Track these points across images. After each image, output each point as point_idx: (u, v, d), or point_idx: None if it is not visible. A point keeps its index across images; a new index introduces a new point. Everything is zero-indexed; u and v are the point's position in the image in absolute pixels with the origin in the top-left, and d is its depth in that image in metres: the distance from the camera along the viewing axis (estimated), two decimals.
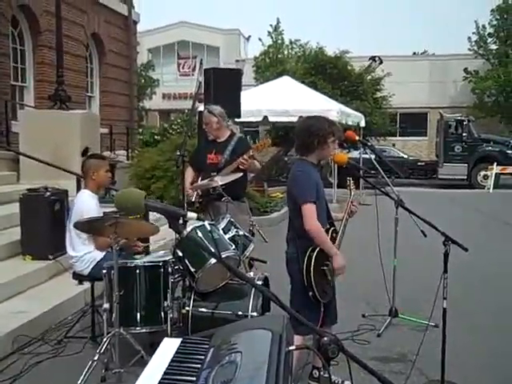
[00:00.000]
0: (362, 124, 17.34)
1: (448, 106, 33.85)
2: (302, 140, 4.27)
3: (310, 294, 4.03)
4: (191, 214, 2.12)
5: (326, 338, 2.00)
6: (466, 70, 33.82)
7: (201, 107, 10.19)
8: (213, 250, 4.47)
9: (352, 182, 4.68)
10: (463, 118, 23.90)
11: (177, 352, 2.07)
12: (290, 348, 1.95)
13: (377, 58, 25.52)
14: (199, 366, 1.92)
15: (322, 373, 4.01)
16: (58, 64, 10.22)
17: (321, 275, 4.09)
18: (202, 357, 1.99)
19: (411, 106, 34.14)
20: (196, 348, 2.09)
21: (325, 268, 4.12)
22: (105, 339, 4.41)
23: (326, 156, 4.32)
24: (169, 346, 2.14)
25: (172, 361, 2.00)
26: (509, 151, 22.88)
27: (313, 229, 4.05)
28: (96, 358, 4.33)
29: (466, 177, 23.04)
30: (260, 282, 4.89)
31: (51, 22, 12.42)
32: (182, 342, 2.16)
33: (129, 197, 2.05)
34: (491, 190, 21.13)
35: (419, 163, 25.19)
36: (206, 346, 2.08)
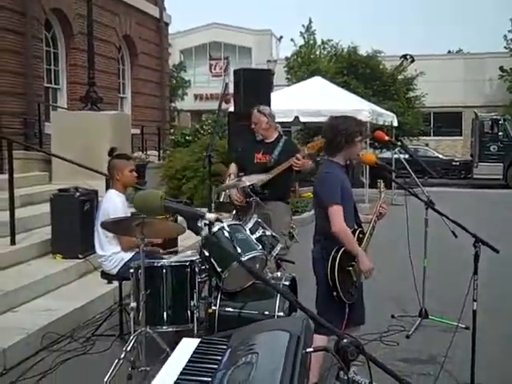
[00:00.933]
0: (395, 124, 17.16)
1: (483, 105, 33.36)
2: (329, 139, 4.25)
3: (335, 294, 4.01)
4: (210, 215, 2.10)
5: (345, 340, 1.97)
6: (501, 68, 33.30)
7: (230, 108, 10.20)
8: (237, 251, 4.46)
9: (383, 183, 4.62)
10: (499, 117, 23.51)
11: (194, 352, 2.06)
12: (308, 350, 1.93)
13: (408, 56, 25.20)
14: (216, 366, 1.91)
15: (341, 374, 3.99)
16: (89, 66, 10.33)
17: (345, 275, 4.06)
18: (220, 357, 1.98)
19: (445, 105, 33.73)
20: (214, 348, 2.08)
21: (350, 268, 4.08)
22: (131, 337, 4.43)
23: (354, 156, 4.29)
24: (187, 346, 2.13)
25: (189, 361, 1.99)
26: None
27: (340, 230, 4.02)
28: (122, 356, 4.35)
29: (501, 176, 22.65)
30: (287, 283, 4.87)
31: (83, 24, 12.57)
32: (200, 343, 2.15)
33: (147, 198, 2.05)
34: None
35: (453, 163, 24.79)
36: (224, 347, 2.07)
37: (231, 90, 10.29)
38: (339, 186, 4.12)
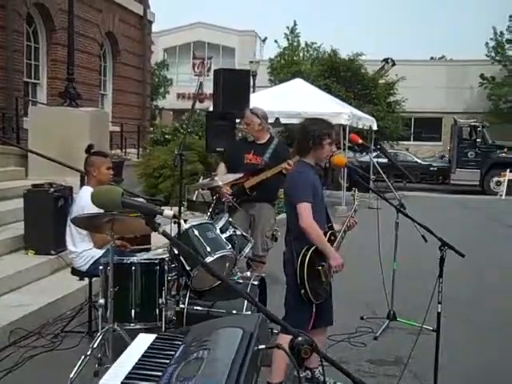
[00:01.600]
0: (374, 127, 17.27)
1: (463, 112, 33.70)
2: (298, 140, 4.33)
3: (302, 292, 4.04)
4: (167, 212, 2.13)
5: (299, 338, 2.01)
6: (482, 75, 33.66)
7: (210, 107, 10.22)
8: (206, 250, 4.48)
9: (357, 192, 4.67)
10: (477, 124, 23.67)
11: (149, 347, 2.08)
12: (260, 347, 1.96)
13: (389, 60, 25.37)
14: (168, 361, 1.93)
15: (296, 373, 3.99)
16: (68, 61, 10.28)
17: (314, 275, 4.10)
18: (173, 353, 2.01)
19: (426, 111, 34.02)
20: (168, 344, 2.10)
21: (319, 268, 4.12)
22: (98, 334, 4.44)
23: (322, 158, 4.33)
24: (142, 342, 2.15)
25: (143, 356, 2.01)
26: None
27: (307, 226, 4.06)
28: (89, 352, 4.36)
29: (478, 183, 22.86)
30: (256, 282, 4.92)
31: (66, 20, 12.47)
32: (156, 338, 2.17)
33: (105, 193, 2.07)
34: (504, 197, 20.98)
35: (431, 168, 24.98)
36: (179, 343, 2.09)
37: (210, 89, 10.33)
38: (310, 186, 4.16)
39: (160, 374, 1.85)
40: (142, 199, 6.09)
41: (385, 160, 20.26)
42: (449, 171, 23.76)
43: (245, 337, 1.93)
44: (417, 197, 18.05)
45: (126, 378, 1.84)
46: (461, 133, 23.59)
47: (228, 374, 1.67)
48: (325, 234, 4.23)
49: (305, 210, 4.08)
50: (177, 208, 5.35)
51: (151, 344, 2.11)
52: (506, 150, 23.05)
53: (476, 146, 23.11)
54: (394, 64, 25.35)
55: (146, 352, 2.04)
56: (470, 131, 23.40)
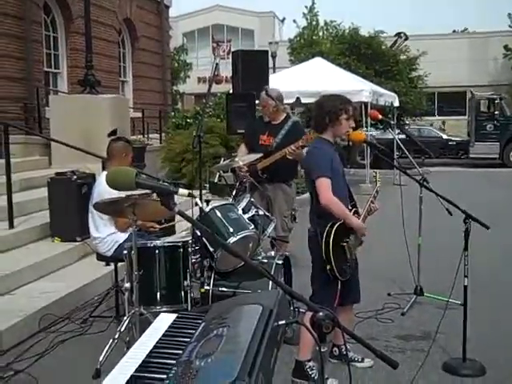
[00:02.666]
0: (396, 104, 17.10)
1: (488, 85, 33.17)
2: (315, 117, 4.32)
3: (328, 268, 4.01)
4: (182, 191, 2.12)
5: (320, 314, 1.99)
6: (506, 47, 33.06)
7: (230, 90, 10.18)
8: (229, 230, 4.49)
9: (379, 174, 4.59)
10: (495, 97, 23.34)
11: (170, 326, 2.09)
12: (280, 322, 1.95)
13: (402, 34, 25.03)
14: (188, 339, 1.94)
15: (335, 351, 3.98)
16: (87, 49, 10.30)
17: (339, 251, 4.07)
18: (193, 331, 2.01)
19: (450, 85, 33.54)
20: (189, 323, 2.11)
21: (344, 244, 4.10)
22: (125, 318, 4.48)
23: (340, 133, 4.29)
24: (164, 321, 2.16)
25: (164, 335, 2.02)
26: None
27: (327, 201, 4.03)
28: (117, 336, 4.41)
29: (498, 156, 22.59)
30: (280, 262, 4.92)
31: (82, 8, 12.50)
32: (176, 317, 2.18)
33: (118, 175, 2.07)
34: None
35: (450, 142, 24.63)
36: (199, 321, 2.09)
37: (229, 72, 10.29)
38: (328, 161, 4.12)
39: (180, 352, 1.85)
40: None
41: (403, 136, 20.16)
42: (468, 145, 23.49)
43: (264, 313, 1.92)
44: (440, 172, 17.90)
45: (148, 356, 1.85)
46: (478, 106, 23.29)
47: (247, 349, 1.66)
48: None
49: (322, 184, 4.05)
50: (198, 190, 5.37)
51: (172, 323, 2.12)
52: None
53: (494, 118, 22.83)
54: (406, 38, 24.97)
55: (166, 331, 2.05)
56: (488, 104, 23.05)
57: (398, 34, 25.24)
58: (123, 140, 5.80)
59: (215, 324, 1.94)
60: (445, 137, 25.02)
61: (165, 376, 1.69)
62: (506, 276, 6.92)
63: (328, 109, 4.16)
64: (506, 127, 22.61)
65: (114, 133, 5.66)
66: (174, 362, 1.77)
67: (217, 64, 6.40)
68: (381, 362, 2.10)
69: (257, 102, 8.60)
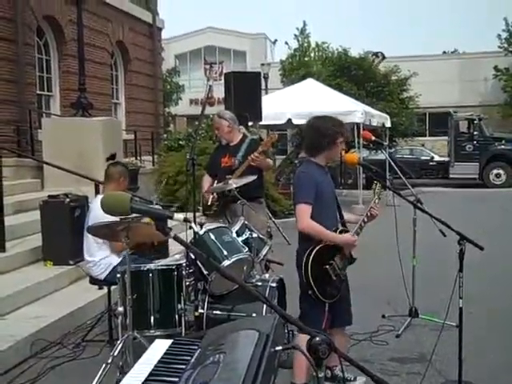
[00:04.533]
0: (388, 125, 17.20)
1: (479, 105, 33.43)
2: (311, 140, 4.26)
3: (310, 292, 4.04)
4: (178, 216, 2.11)
5: (317, 338, 1.98)
6: (496, 67, 33.36)
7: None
8: (223, 254, 4.47)
9: (379, 185, 4.56)
10: (474, 117, 23.47)
11: (165, 353, 2.07)
12: (277, 348, 1.93)
13: (379, 54, 25.48)
14: (184, 366, 1.91)
15: (315, 373, 3.92)
16: (80, 72, 10.34)
17: (322, 274, 4.07)
18: (189, 358, 1.99)
19: (441, 106, 33.78)
20: (185, 349, 2.09)
21: (327, 267, 4.09)
22: (118, 342, 4.43)
23: (334, 156, 4.30)
24: (159, 347, 2.14)
25: (159, 361, 1.99)
26: None
27: (305, 227, 4.06)
28: (110, 360, 4.36)
29: (477, 176, 22.73)
30: (274, 284, 4.89)
31: (76, 31, 12.56)
32: (172, 343, 2.15)
33: (113, 199, 2.06)
34: None
35: (431, 163, 24.71)
36: (195, 347, 2.07)
37: (222, 93, 10.33)
38: (313, 186, 4.11)
39: (176, 379, 1.83)
40: (157, 206, 6.10)
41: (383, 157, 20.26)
42: (448, 165, 23.61)
43: (261, 339, 1.90)
44: (425, 192, 17.99)
45: None
46: (457, 126, 23.44)
47: (244, 377, 1.64)
48: (335, 232, 4.19)
49: (300, 211, 4.07)
50: (191, 213, 5.35)
51: (167, 349, 2.10)
52: (503, 142, 22.90)
53: (473, 138, 22.94)
54: (383, 58, 25.42)
55: (162, 358, 2.02)
56: (467, 124, 23.20)
57: (375, 54, 25.64)
58: (121, 165, 5.84)
59: (211, 350, 1.92)
60: (436, 158, 25.13)
61: None
62: (501, 296, 6.91)
63: (325, 132, 4.14)
64: (485, 148, 22.76)
65: (113, 157, 5.68)
66: None
67: (210, 86, 6.45)
68: None
69: (250, 123, 8.65)
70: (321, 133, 4.18)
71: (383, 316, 6.14)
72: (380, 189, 4.49)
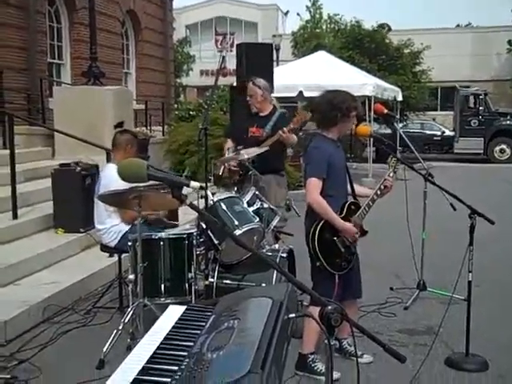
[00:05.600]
0: (399, 98, 17.08)
1: (491, 79, 33.16)
2: (325, 114, 4.22)
3: (318, 264, 4.09)
4: (194, 184, 2.13)
5: (329, 307, 2.00)
6: (509, 42, 33.01)
7: (234, 83, 10.16)
8: (234, 223, 4.49)
9: (394, 159, 4.50)
10: (479, 92, 23.33)
11: (180, 318, 2.09)
12: (290, 316, 1.96)
13: (385, 25, 25.32)
14: (199, 332, 1.94)
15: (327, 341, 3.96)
16: (91, 41, 10.29)
17: (330, 246, 4.11)
18: (204, 323, 2.01)
19: (453, 80, 33.48)
20: (199, 315, 2.11)
21: (335, 239, 4.11)
22: (129, 310, 4.49)
23: (347, 130, 4.29)
24: (173, 313, 2.16)
25: (174, 327, 2.02)
26: None
27: (313, 202, 4.09)
28: (121, 327, 4.43)
29: (482, 151, 22.65)
30: (284, 255, 4.92)
31: None
32: (186, 310, 2.18)
33: (130, 167, 2.08)
34: None
35: (435, 138, 24.56)
36: (209, 314, 2.10)
37: (233, 65, 10.27)
38: (325, 161, 4.12)
39: (191, 344, 1.86)
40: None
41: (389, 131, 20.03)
42: (453, 140, 23.51)
43: (274, 306, 1.92)
44: (436, 167, 17.95)
45: (158, 348, 1.86)
46: (463, 101, 23.29)
47: (258, 343, 1.67)
48: (344, 205, 4.21)
49: (311, 185, 4.10)
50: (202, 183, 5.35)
51: (182, 315, 2.13)
52: (508, 117, 22.77)
53: (479, 114, 22.81)
54: (389, 29, 25.19)
55: (176, 323, 2.05)
56: (473, 99, 23.07)
57: (381, 26, 25.45)
58: (129, 133, 5.84)
59: (225, 317, 1.95)
60: (447, 132, 24.96)
61: (176, 368, 1.69)
62: (510, 271, 6.93)
63: (340, 105, 4.12)
64: (490, 123, 22.65)
65: (120, 125, 5.67)
66: (185, 353, 1.78)
67: (223, 57, 6.37)
68: (383, 355, 2.11)
69: None
70: (334, 106, 4.16)
71: (391, 288, 6.17)
72: (396, 162, 4.46)
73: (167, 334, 1.95)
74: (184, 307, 2.22)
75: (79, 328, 5.12)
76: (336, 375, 3.99)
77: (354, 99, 4.31)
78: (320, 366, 4.20)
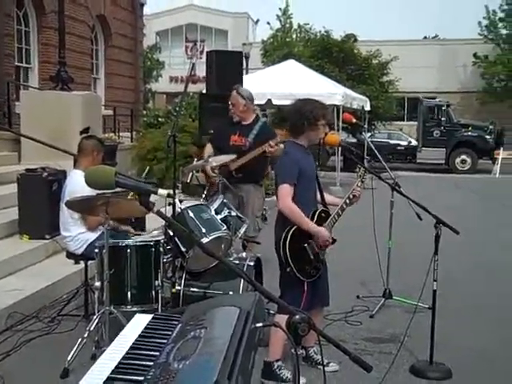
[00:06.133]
0: (367, 108, 17.25)
1: (457, 91, 33.72)
2: (293, 122, 4.30)
3: (288, 270, 4.10)
4: (162, 191, 2.12)
5: (297, 316, 2.01)
6: (475, 54, 33.64)
7: (204, 90, 10.16)
8: (201, 231, 4.48)
9: (363, 169, 4.55)
10: (442, 103, 23.94)
11: (146, 327, 2.08)
12: (257, 325, 1.96)
13: (351, 36, 25.77)
14: (165, 341, 1.93)
15: (293, 351, 3.98)
16: (60, 45, 10.19)
17: (300, 253, 4.13)
18: (170, 332, 2.00)
19: (420, 91, 33.95)
20: (165, 324, 2.10)
21: (305, 246, 4.13)
22: (95, 317, 4.44)
23: (316, 138, 4.32)
24: (139, 322, 2.15)
25: (140, 336, 2.00)
26: (487, 136, 22.84)
27: (284, 208, 4.12)
28: (86, 335, 4.38)
29: (444, 161, 23.13)
30: (251, 263, 4.93)
31: (56, 3, 12.34)
32: (152, 318, 2.17)
33: (98, 173, 2.06)
34: (497, 175, 21.11)
35: (399, 147, 24.92)
36: (176, 322, 2.09)
37: (203, 72, 10.27)
38: (296, 166, 4.16)
39: (157, 353, 1.84)
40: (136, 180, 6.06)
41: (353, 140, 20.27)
42: (415, 150, 23.95)
43: (241, 315, 1.92)
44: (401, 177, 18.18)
45: (124, 357, 1.84)
46: (426, 112, 23.77)
47: (225, 352, 1.67)
48: (313, 213, 4.23)
49: (282, 191, 4.13)
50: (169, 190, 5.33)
51: (148, 324, 2.11)
52: (470, 128, 23.30)
53: (441, 124, 23.32)
54: (355, 40, 25.63)
55: (142, 332, 2.03)
56: (436, 110, 23.56)
57: (347, 36, 25.88)
58: (95, 138, 5.79)
59: (192, 326, 1.94)
60: (413, 143, 25.29)
61: (142, 378, 1.68)
62: (474, 280, 7.04)
63: (307, 114, 4.17)
64: (452, 134, 23.13)
65: (86, 130, 5.62)
66: (151, 363, 1.76)
67: (193, 64, 6.34)
68: (349, 364, 2.12)
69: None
70: (302, 115, 4.22)
71: (358, 297, 6.22)
72: (364, 172, 4.52)
73: (133, 343, 1.94)
74: (150, 316, 2.20)
75: (43, 336, 5.03)
76: (302, 381, 4.01)
77: (325, 107, 4.36)
78: (286, 373, 4.21)
